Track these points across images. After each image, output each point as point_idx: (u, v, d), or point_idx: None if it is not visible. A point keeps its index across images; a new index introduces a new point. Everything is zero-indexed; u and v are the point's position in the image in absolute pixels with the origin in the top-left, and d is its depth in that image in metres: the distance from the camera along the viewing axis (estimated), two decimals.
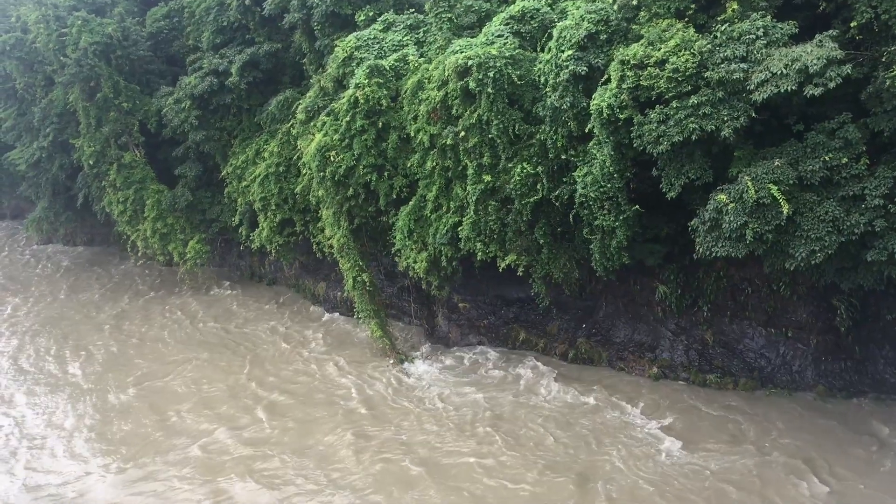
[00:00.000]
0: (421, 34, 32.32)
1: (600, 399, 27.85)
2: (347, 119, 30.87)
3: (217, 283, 45.09)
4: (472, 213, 28.29)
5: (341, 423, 28.08)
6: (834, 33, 20.49)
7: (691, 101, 21.24)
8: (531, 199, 26.68)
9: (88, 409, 30.83)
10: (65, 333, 39.49)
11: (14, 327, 41.30)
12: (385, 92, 30.56)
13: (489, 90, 26.37)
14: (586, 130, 24.47)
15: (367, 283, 32.27)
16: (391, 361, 32.47)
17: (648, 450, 24.58)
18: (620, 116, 22.68)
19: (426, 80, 29.63)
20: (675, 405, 27.06)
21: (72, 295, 46.04)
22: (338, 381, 31.64)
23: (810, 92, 19.67)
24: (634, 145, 22.67)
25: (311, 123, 33.92)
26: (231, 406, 30.10)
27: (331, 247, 34.21)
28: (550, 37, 26.23)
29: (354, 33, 33.26)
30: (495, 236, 28.29)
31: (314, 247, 37.07)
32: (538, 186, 26.49)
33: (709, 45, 21.59)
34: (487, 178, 27.58)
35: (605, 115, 22.90)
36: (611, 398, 27.83)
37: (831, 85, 19.46)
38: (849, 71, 19.63)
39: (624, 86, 22.40)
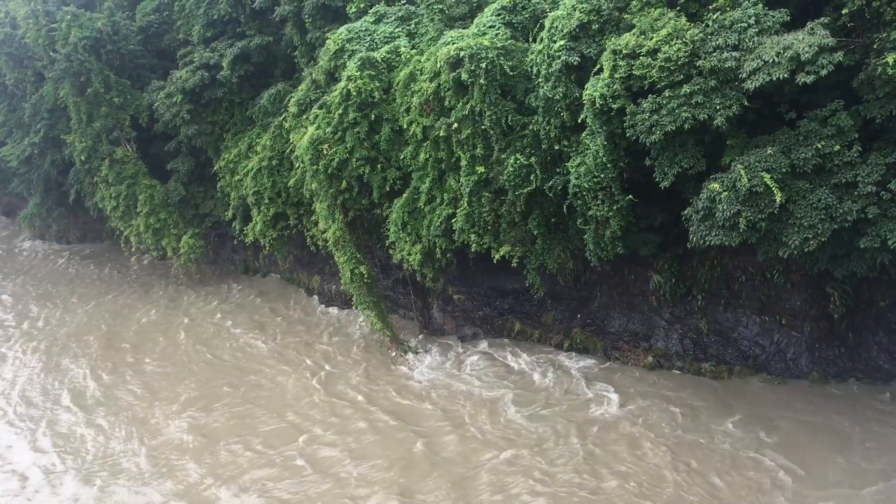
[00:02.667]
0: (412, 26, 32.23)
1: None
2: (340, 112, 30.80)
3: (226, 282, 44.50)
4: (465, 204, 28.29)
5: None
6: (825, 21, 20.51)
7: (684, 90, 21.25)
8: (525, 190, 26.68)
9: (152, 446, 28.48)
10: (94, 350, 37.43)
11: (39, 343, 39.22)
12: (377, 84, 30.50)
13: (481, 81, 26.33)
14: (579, 121, 24.47)
15: (365, 276, 32.23)
16: (393, 353, 32.47)
17: None
18: (613, 106, 22.68)
19: (418, 72, 29.57)
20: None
21: (86, 300, 44.63)
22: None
23: (802, 80, 19.70)
24: (627, 135, 22.68)
25: (304, 116, 33.85)
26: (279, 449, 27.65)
27: (325, 240, 34.19)
28: (542, 27, 26.19)
29: (346, 25, 33.16)
30: (489, 227, 28.31)
31: (308, 240, 37.05)
32: (532, 177, 26.49)
33: (701, 34, 21.58)
34: (481, 169, 27.56)
35: (597, 105, 22.90)
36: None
37: (823, 73, 19.48)
38: (840, 58, 19.66)
39: (616, 75, 22.40)
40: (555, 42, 24.65)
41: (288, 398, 30.65)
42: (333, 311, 38.38)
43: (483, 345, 32.63)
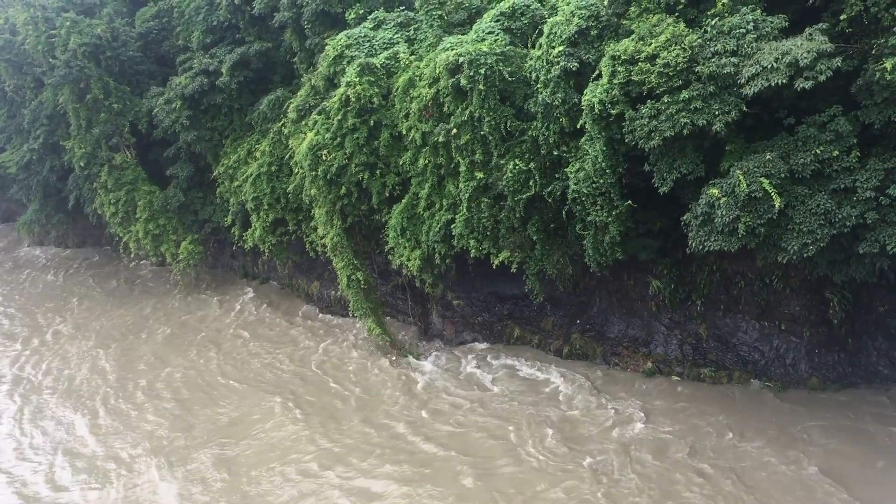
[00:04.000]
0: (411, 32, 32.29)
1: None
2: (339, 117, 30.85)
3: (231, 290, 43.83)
4: (464, 210, 28.29)
5: None
6: (824, 26, 20.51)
7: (682, 95, 21.25)
8: (524, 196, 26.67)
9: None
10: (108, 371, 35.66)
11: (50, 362, 37.38)
12: (376, 90, 30.54)
13: (480, 87, 26.35)
14: (578, 126, 24.47)
15: (362, 282, 32.23)
16: (393, 358, 32.44)
17: None
18: (612, 112, 22.68)
19: (417, 78, 29.61)
20: None
21: (95, 313, 43.34)
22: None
23: (801, 85, 19.70)
24: (626, 140, 22.67)
25: (303, 122, 33.88)
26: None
27: (324, 246, 34.19)
28: (541, 33, 26.21)
29: (345, 31, 33.20)
30: (488, 233, 28.31)
31: (307, 246, 37.04)
32: (531, 183, 26.49)
33: (699, 40, 21.60)
34: (480, 174, 27.56)
35: (596, 110, 22.90)
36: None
37: (821, 78, 19.49)
38: (839, 64, 19.66)
39: (615, 81, 22.40)
40: (553, 48, 24.67)
41: (315, 424, 28.78)
42: (350, 323, 36.56)
43: (502, 358, 31.86)
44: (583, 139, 24.68)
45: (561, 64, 24.21)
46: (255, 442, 28.13)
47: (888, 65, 19.46)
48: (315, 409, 30.03)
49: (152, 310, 42.63)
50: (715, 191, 21.52)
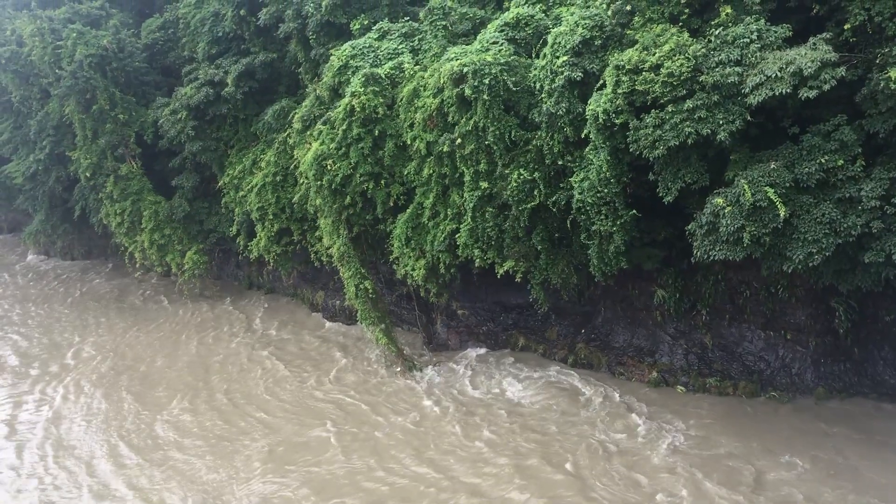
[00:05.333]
0: (416, 42, 32.39)
1: None
2: (344, 127, 30.93)
3: (247, 304, 43.03)
4: (469, 219, 28.31)
5: None
6: (828, 36, 20.54)
7: (687, 105, 21.27)
8: (528, 205, 26.69)
9: None
10: (134, 396, 33.20)
11: (69, 389, 34.44)
12: (381, 100, 30.62)
13: (485, 97, 26.41)
14: (582, 136, 24.51)
15: (370, 291, 32.18)
16: (398, 369, 32.38)
17: None
18: (616, 121, 22.71)
19: (422, 88, 29.68)
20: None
21: (113, 330, 41.34)
22: None
23: (805, 94, 19.71)
24: (631, 150, 22.67)
25: (308, 132, 33.95)
26: None
27: (329, 255, 34.20)
28: (545, 43, 26.29)
29: (349, 42, 33.32)
30: (493, 242, 28.31)
31: (312, 255, 37.08)
32: (535, 192, 26.51)
33: (703, 49, 21.64)
34: (484, 184, 27.59)
35: (600, 120, 22.93)
36: None
37: (826, 87, 19.50)
38: (843, 73, 19.68)
39: (619, 91, 22.44)
40: (558, 58, 24.74)
41: (359, 457, 26.62)
42: (360, 331, 35.00)
43: (520, 367, 31.28)
44: (587, 149, 24.70)
45: (565, 74, 24.27)
46: (305, 477, 25.73)
47: (892, 74, 19.48)
48: (358, 441, 27.66)
49: (169, 330, 40.82)
50: (720, 200, 21.50)
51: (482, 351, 33.12)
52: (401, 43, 32.47)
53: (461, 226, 28.74)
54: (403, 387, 31.36)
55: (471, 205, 28.03)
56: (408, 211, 30.74)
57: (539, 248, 27.68)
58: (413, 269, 30.81)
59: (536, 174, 26.37)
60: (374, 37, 33.04)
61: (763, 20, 21.45)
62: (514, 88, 26.66)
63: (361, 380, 32.62)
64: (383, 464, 26.05)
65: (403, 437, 27.68)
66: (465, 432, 27.38)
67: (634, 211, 24.36)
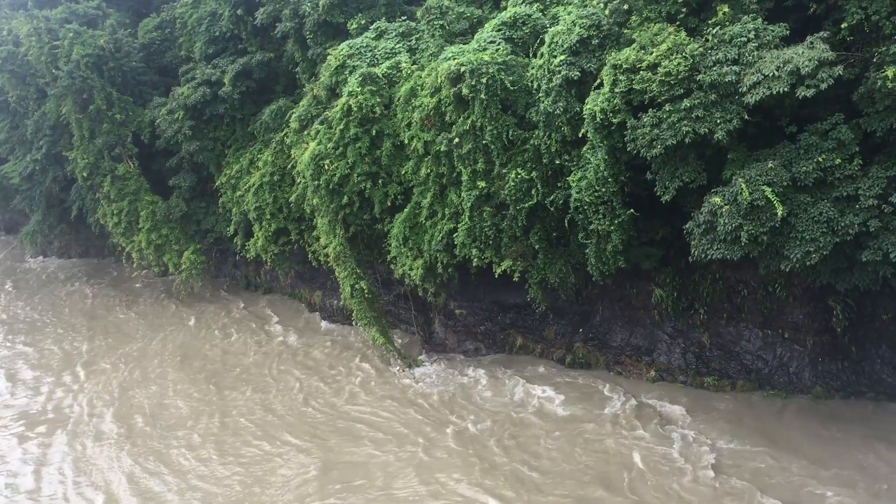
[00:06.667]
0: (413, 41, 32.38)
1: None
2: (341, 127, 30.90)
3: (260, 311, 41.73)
4: (467, 219, 28.30)
5: None
6: (825, 35, 20.56)
7: (684, 104, 21.28)
8: (526, 205, 26.69)
9: None
10: (152, 417, 31.03)
11: (82, 412, 32.07)
12: (378, 99, 30.60)
13: (482, 96, 26.40)
14: (580, 135, 24.51)
15: (366, 291, 32.18)
16: (396, 368, 32.37)
17: None
18: (614, 120, 22.71)
19: (419, 87, 29.67)
20: None
21: (126, 343, 39.28)
22: None
23: (802, 93, 19.73)
24: (628, 149, 22.69)
25: (305, 132, 33.93)
26: None
27: (326, 255, 34.17)
28: (543, 42, 26.29)
29: (347, 41, 33.31)
30: (491, 242, 28.30)
31: (309, 255, 37.06)
32: (533, 192, 26.51)
33: (700, 49, 21.65)
34: (482, 184, 27.58)
35: (598, 119, 22.94)
36: None
37: (823, 86, 19.51)
38: (840, 72, 19.69)
39: (617, 90, 22.44)
40: (555, 57, 24.74)
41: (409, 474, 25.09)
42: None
43: (531, 373, 30.58)
44: (585, 148, 24.71)
45: (562, 73, 24.28)
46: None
47: (890, 73, 19.51)
48: (403, 462, 25.86)
49: (181, 340, 39.10)
50: (717, 199, 21.51)
51: (486, 354, 32.88)
52: (398, 42, 32.47)
53: (459, 225, 28.72)
54: (422, 395, 30.23)
55: (468, 204, 28.02)
56: (405, 210, 30.71)
57: (537, 247, 27.67)
58: (410, 269, 30.79)
59: (534, 173, 26.37)
60: (372, 36, 33.03)
61: (760, 19, 21.47)
62: (512, 88, 26.65)
63: (385, 393, 30.89)
64: (428, 486, 24.38)
65: (447, 455, 25.99)
66: (508, 453, 25.59)
67: (632, 210, 24.37)
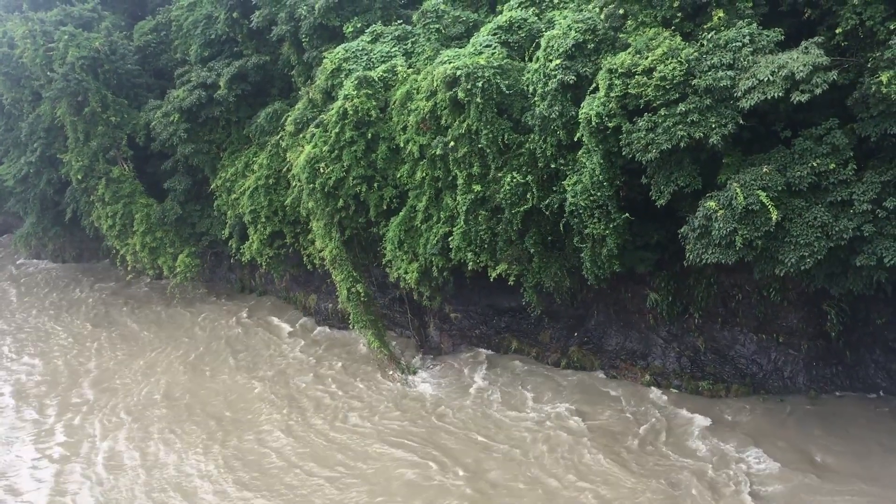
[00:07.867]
0: (409, 45, 32.40)
1: None
2: (337, 130, 30.89)
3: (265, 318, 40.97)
4: (462, 222, 28.30)
5: None
6: (819, 40, 20.61)
7: (679, 108, 21.32)
8: (521, 209, 26.69)
9: None
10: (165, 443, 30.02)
11: (94, 436, 31.10)
12: (374, 103, 30.61)
13: (478, 100, 26.41)
14: (575, 139, 24.53)
15: (362, 294, 32.14)
16: (391, 372, 32.31)
17: None
18: (609, 125, 22.74)
19: (415, 91, 29.68)
20: None
21: (135, 356, 38.41)
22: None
23: (797, 98, 19.78)
24: (623, 153, 22.72)
25: (301, 135, 33.92)
26: None
27: (322, 258, 34.13)
28: (538, 46, 26.30)
29: (342, 45, 33.31)
30: (486, 246, 28.30)
31: (304, 259, 37.01)
32: (528, 195, 26.51)
33: (696, 53, 21.69)
34: (477, 187, 27.59)
35: (593, 123, 22.96)
36: None
37: (818, 91, 19.57)
38: (835, 77, 19.76)
39: (612, 94, 22.48)
40: (551, 61, 24.76)
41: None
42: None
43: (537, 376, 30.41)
44: (580, 152, 24.73)
45: (558, 77, 24.30)
46: None
47: (884, 78, 19.56)
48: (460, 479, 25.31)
49: (194, 351, 38.22)
50: (712, 203, 21.54)
51: (481, 359, 32.66)
52: (394, 46, 32.48)
53: (454, 229, 28.72)
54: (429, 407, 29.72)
55: (464, 208, 28.02)
56: (400, 214, 30.71)
57: (532, 251, 27.67)
58: (406, 273, 30.78)
59: (529, 177, 26.37)
60: (368, 40, 33.03)
61: (755, 24, 21.52)
62: (507, 92, 26.66)
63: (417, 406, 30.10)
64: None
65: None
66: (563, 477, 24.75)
67: (627, 214, 24.38)
